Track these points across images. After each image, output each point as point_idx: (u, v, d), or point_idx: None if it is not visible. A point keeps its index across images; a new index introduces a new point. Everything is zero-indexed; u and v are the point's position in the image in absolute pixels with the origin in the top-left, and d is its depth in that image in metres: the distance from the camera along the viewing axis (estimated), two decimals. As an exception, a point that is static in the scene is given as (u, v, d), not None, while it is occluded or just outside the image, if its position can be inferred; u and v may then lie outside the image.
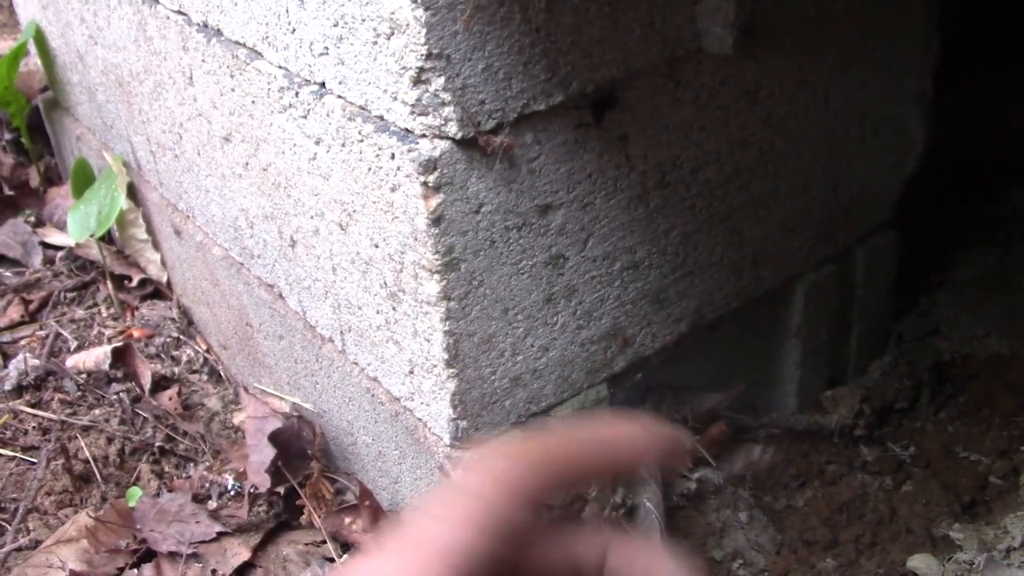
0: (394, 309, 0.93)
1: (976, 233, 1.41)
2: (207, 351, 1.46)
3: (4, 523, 1.14)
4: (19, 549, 1.10)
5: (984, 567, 0.93)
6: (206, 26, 1.08)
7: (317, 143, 0.93)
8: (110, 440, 1.26)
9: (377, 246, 0.91)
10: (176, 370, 1.42)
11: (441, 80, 0.77)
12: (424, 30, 0.75)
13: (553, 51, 0.82)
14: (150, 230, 1.53)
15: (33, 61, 1.81)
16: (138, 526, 1.10)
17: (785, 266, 1.13)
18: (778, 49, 0.98)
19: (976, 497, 1.16)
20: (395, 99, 0.81)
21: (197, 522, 1.10)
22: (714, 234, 1.04)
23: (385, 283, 0.92)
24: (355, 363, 1.06)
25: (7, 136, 1.90)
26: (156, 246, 1.54)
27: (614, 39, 0.85)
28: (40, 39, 1.69)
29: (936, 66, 1.17)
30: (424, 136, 0.80)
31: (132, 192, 1.52)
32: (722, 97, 0.97)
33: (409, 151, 0.81)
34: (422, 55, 0.76)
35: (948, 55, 1.17)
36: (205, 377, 1.42)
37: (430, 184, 0.81)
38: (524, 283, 0.90)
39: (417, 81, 0.78)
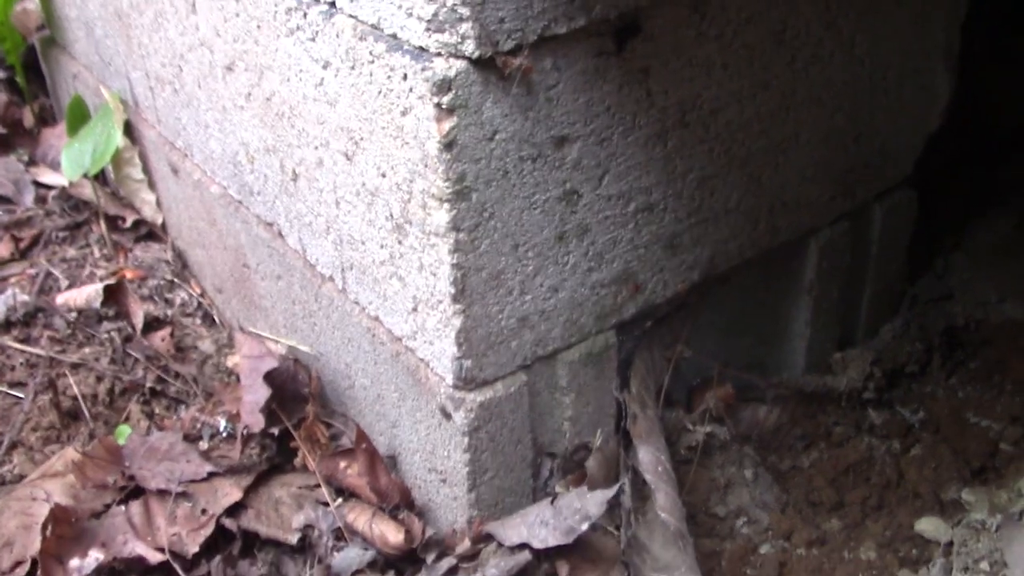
0: (399, 243, 0.89)
1: (994, 197, 1.38)
2: (201, 295, 1.42)
3: (-12, 456, 1.11)
4: (2, 482, 1.07)
5: (1001, 526, 0.90)
6: (211, -53, 1.04)
7: (325, 67, 0.89)
8: (100, 379, 1.23)
9: (384, 175, 0.87)
10: (169, 312, 1.38)
11: (460, -6, 0.73)
12: (444, -62, 0.71)
13: (577, -29, 0.78)
14: (146, 169, 1.49)
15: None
16: (126, 463, 1.06)
17: (802, 218, 1.10)
18: (807, -14, 0.95)
19: (986, 463, 1.13)
20: (410, 15, 0.77)
21: (188, 461, 1.07)
22: (731, 180, 1.00)
23: (391, 215, 0.89)
24: (356, 302, 1.02)
25: (1, 75, 1.85)
26: (152, 186, 1.50)
27: (640, -37, 0.82)
28: (37, -27, 1.65)
29: (964, 21, 1.13)
30: (439, 55, 0.77)
31: (128, 130, 1.48)
32: (747, 35, 0.93)
33: (423, 71, 0.77)
34: (441, -35, 0.72)
35: (972, 16, 1.14)
36: (198, 320, 1.39)
37: (444, 106, 0.77)
38: (536, 218, 0.87)
39: (434, -6, 0.74)
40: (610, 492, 0.94)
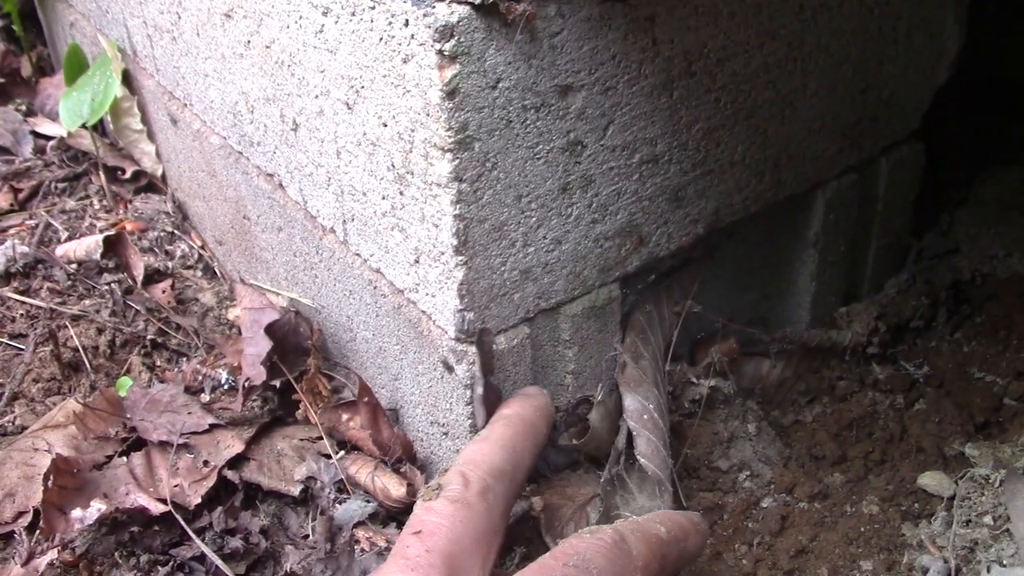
0: (401, 194, 0.88)
1: (1001, 152, 1.37)
2: (202, 247, 1.41)
3: (-11, 407, 1.10)
4: (4, 433, 1.07)
5: (1005, 480, 0.90)
6: None
7: (325, 14, 0.88)
8: (100, 330, 1.22)
9: (386, 125, 0.86)
10: (170, 264, 1.37)
11: (462, -63, 0.72)
12: None
13: (582, -85, 0.76)
14: (145, 120, 1.47)
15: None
16: (128, 415, 1.06)
17: (808, 171, 1.09)
18: (817, -68, 0.93)
19: (990, 418, 1.13)
20: (411, -41, 0.75)
21: (189, 413, 1.06)
22: (737, 131, 0.99)
23: (393, 165, 0.87)
24: (357, 254, 1.01)
25: (-2, 23, 1.83)
26: (151, 137, 1.48)
27: (647, -93, 0.80)
28: (33, -81, 1.62)
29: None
30: (441, 0, 0.75)
31: (127, 79, 1.47)
32: (755, -18, 0.91)
33: (424, 16, 0.75)
34: (443, -92, 0.70)
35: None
36: (199, 273, 1.38)
37: (446, 53, 0.76)
38: (539, 169, 0.86)
39: (436, -62, 0.72)
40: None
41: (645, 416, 0.98)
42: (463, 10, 0.75)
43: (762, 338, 1.15)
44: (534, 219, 0.88)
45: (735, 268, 1.13)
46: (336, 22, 0.86)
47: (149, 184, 1.53)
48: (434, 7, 0.75)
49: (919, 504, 1.03)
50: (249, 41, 1.04)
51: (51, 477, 0.95)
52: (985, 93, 1.38)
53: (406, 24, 0.78)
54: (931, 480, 1.04)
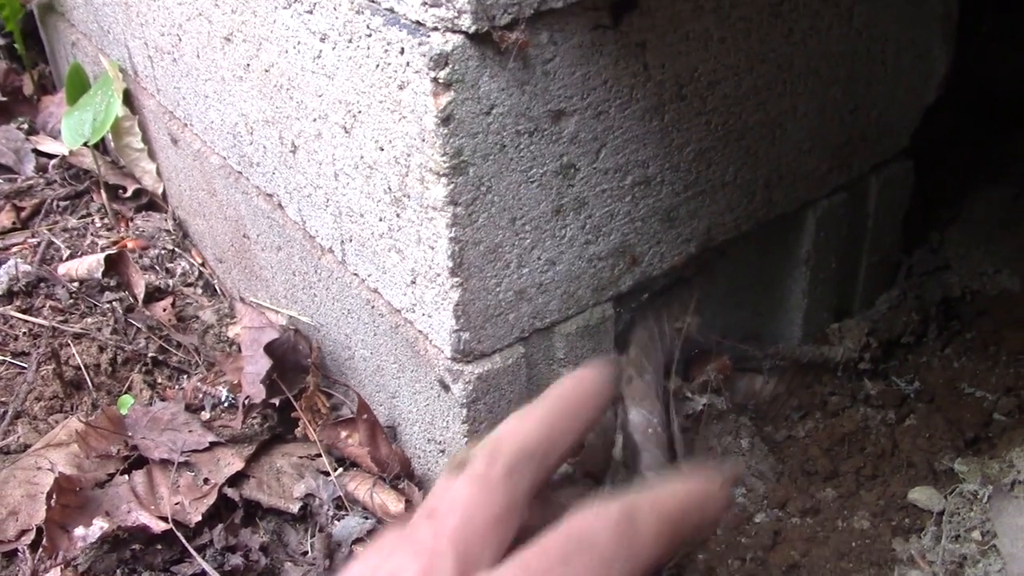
0: (398, 216, 0.90)
1: (991, 169, 1.38)
2: (202, 264, 1.43)
3: (-8, 426, 1.12)
4: (7, 452, 1.08)
5: (992, 497, 0.91)
6: (209, -82, 1.03)
7: (322, 40, 0.89)
8: (102, 349, 1.24)
9: (382, 149, 0.88)
10: (170, 282, 1.39)
11: (456, -31, 0.73)
12: (440, -87, 0.71)
13: (573, -55, 0.78)
14: (146, 139, 1.49)
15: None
16: (129, 433, 1.08)
17: (798, 191, 1.10)
18: (805, -42, 0.95)
19: (980, 433, 1.14)
20: (407, -11, 0.77)
21: (190, 431, 1.08)
22: (728, 153, 1.01)
23: (389, 188, 0.89)
24: (355, 274, 1.03)
25: (0, 42, 1.85)
26: (152, 155, 1.50)
27: (637, -63, 0.82)
28: (35, -60, 1.64)
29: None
30: (436, 29, 0.77)
31: (128, 99, 1.48)
32: (744, 8, 0.93)
33: (420, 45, 0.77)
34: (437, -59, 0.72)
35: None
36: (200, 290, 1.40)
37: (440, 81, 0.77)
38: (533, 192, 0.87)
39: (431, -30, 0.74)
40: None
41: (650, 430, 1.00)
42: (457, 39, 0.77)
43: (755, 354, 1.17)
44: (528, 241, 0.89)
45: (727, 285, 1.14)
46: (333, 48, 0.88)
47: (150, 202, 1.54)
48: (429, 36, 0.77)
49: (909, 519, 1.04)
50: (248, 64, 1.05)
51: (54, 495, 0.97)
52: (975, 110, 1.40)
53: (402, 52, 0.79)
54: (921, 495, 1.05)
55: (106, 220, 1.51)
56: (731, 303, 1.16)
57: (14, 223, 1.50)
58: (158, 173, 1.51)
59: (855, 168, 1.15)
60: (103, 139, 1.56)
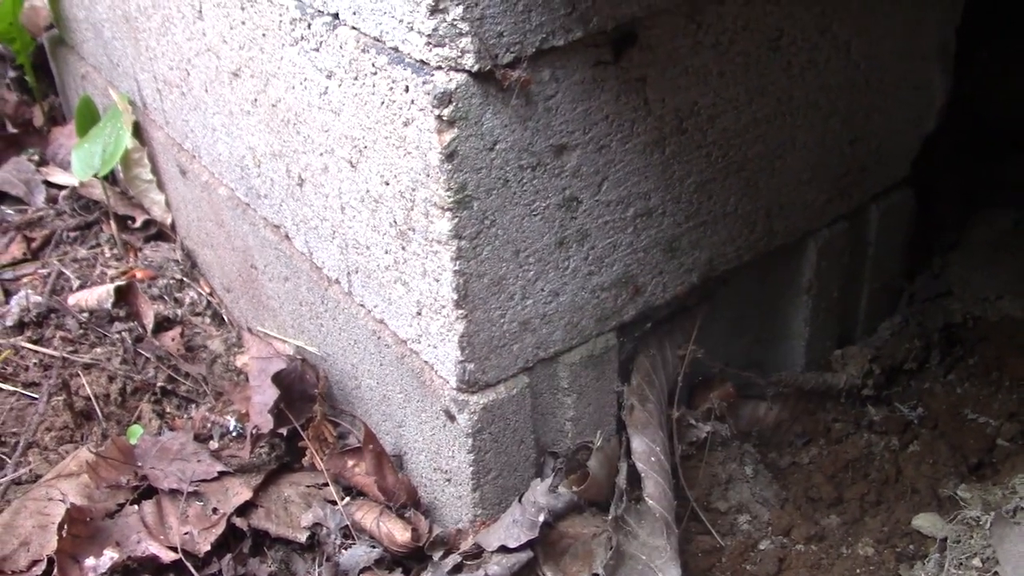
0: (403, 249, 0.91)
1: (992, 195, 1.39)
2: (210, 294, 1.45)
3: (3, 456, 1.13)
4: (19, 482, 1.09)
5: (993, 524, 0.92)
6: (217, -43, 1.05)
7: (329, 77, 0.91)
8: (112, 379, 1.25)
9: (388, 183, 0.89)
10: (179, 312, 1.40)
11: (459, 9, 0.75)
12: (444, -44, 0.73)
13: (574, -15, 0.80)
14: (155, 170, 1.51)
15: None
16: (139, 463, 1.09)
17: (799, 221, 1.12)
18: (802, -6, 0.96)
19: (983, 459, 1.15)
20: (411, 29, 0.79)
21: (199, 461, 1.09)
22: (729, 184, 1.02)
23: (395, 222, 0.91)
24: (361, 305, 1.04)
25: (11, 74, 1.87)
26: (160, 186, 1.52)
27: (636, -24, 0.83)
28: (46, -26, 1.66)
29: (960, 21, 1.14)
30: (440, 68, 0.79)
31: (137, 131, 1.50)
32: (743, 42, 0.95)
33: (424, 83, 0.79)
34: (441, -17, 0.74)
35: (971, 14, 1.15)
36: (208, 320, 1.41)
37: (444, 118, 0.79)
38: (536, 225, 0.89)
39: (435, 10, 0.76)
40: (549, 480, 0.98)
41: (652, 458, 1.01)
42: (460, 77, 0.78)
43: (758, 382, 1.17)
44: (532, 273, 0.91)
45: (730, 314, 1.15)
46: (339, 85, 0.90)
47: (159, 232, 1.56)
48: (433, 75, 0.78)
49: (914, 545, 1.05)
50: (256, 99, 1.07)
51: (65, 526, 0.98)
52: (975, 137, 1.41)
53: (406, 90, 0.81)
54: (925, 522, 1.06)
55: (115, 250, 1.52)
56: (734, 331, 1.17)
57: (24, 254, 1.51)
58: (167, 204, 1.53)
59: (855, 198, 1.16)
60: (112, 170, 1.58)
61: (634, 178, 0.94)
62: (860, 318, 1.27)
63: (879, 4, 1.05)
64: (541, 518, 0.95)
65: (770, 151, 1.03)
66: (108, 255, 1.52)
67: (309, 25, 0.91)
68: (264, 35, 1.00)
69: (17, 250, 1.52)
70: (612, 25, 0.84)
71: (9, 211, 1.61)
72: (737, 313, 1.16)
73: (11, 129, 1.79)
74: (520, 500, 0.98)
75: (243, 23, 1.03)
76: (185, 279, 1.46)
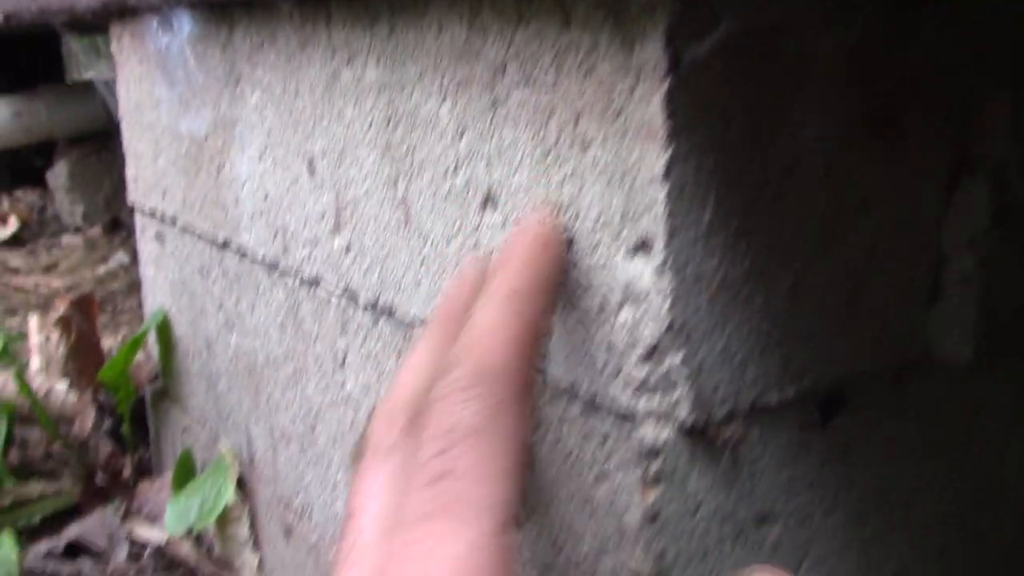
0: (573, 627, 0.80)
1: None
2: (298, 672, 1.30)
3: None
4: None
5: None
6: (375, 306, 1.03)
7: (499, 429, 0.84)
8: None
9: (561, 549, 0.79)
10: None
11: (677, 358, 0.69)
12: (668, 300, 0.68)
13: (789, 340, 0.74)
14: (253, 528, 1.42)
15: (147, 350, 1.79)
16: None
17: (997, 620, 0.99)
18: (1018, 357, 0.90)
19: None
20: (616, 376, 0.73)
21: None
22: (927, 570, 0.91)
23: (566, 593, 0.80)
24: None
25: (107, 423, 1.84)
26: (256, 546, 1.42)
27: (848, 336, 0.78)
28: (164, 327, 1.68)
29: None
30: (648, 420, 0.72)
31: (240, 486, 1.43)
32: (947, 414, 0.88)
33: (628, 437, 0.72)
34: (660, 328, 0.69)
35: None
36: None
37: (650, 475, 0.71)
38: (735, 605, 0.77)
39: (648, 357, 0.70)
40: None
41: None
42: (670, 430, 0.71)
43: None
44: (724, 664, 0.78)
45: None
46: (513, 438, 0.83)
47: (246, 598, 1.44)
48: (639, 428, 0.71)
49: None
50: (398, 453, 1.00)
51: None
52: None
53: (603, 443, 0.74)
54: None
55: (197, 616, 1.40)
56: None
57: (99, 614, 1.39)
58: (259, 565, 1.42)
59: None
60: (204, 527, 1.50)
61: (834, 558, 0.83)
62: None
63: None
64: None
65: (970, 537, 0.93)
66: (189, 621, 1.40)
67: (482, 373, 0.86)
68: (421, 384, 0.95)
69: (92, 609, 1.40)
70: (822, 386, 0.78)
71: (88, 564, 1.51)
72: None
73: (100, 481, 1.73)
74: None
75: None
76: (272, 653, 1.32)
